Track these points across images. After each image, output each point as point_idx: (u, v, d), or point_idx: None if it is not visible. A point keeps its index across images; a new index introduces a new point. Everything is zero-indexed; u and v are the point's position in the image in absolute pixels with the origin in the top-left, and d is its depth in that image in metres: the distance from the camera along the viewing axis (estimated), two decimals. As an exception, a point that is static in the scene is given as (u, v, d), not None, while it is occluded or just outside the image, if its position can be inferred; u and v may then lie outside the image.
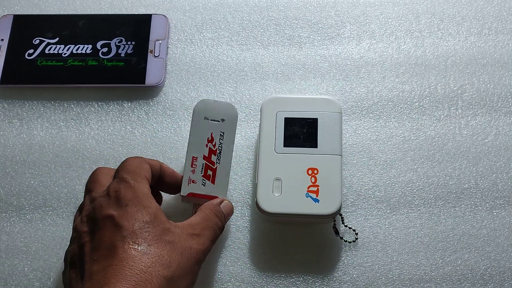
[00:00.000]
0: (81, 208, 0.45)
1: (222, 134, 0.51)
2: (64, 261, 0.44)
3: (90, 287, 0.37)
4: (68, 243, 0.44)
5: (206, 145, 0.50)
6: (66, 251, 0.44)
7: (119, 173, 0.44)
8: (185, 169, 0.50)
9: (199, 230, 0.44)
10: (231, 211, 0.49)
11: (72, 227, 0.47)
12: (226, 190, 0.50)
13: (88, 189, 0.45)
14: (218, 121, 0.51)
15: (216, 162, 0.50)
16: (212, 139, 0.51)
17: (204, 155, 0.50)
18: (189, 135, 0.50)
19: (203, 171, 0.50)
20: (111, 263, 0.38)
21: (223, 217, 0.48)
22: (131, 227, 0.40)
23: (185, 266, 0.41)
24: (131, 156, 0.49)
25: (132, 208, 0.41)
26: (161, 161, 0.49)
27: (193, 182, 0.49)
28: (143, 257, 0.39)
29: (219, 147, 0.51)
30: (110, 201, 0.42)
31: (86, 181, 0.47)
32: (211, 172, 0.50)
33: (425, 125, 0.57)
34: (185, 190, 0.49)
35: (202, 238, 0.44)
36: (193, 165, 0.50)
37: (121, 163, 0.46)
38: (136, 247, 0.39)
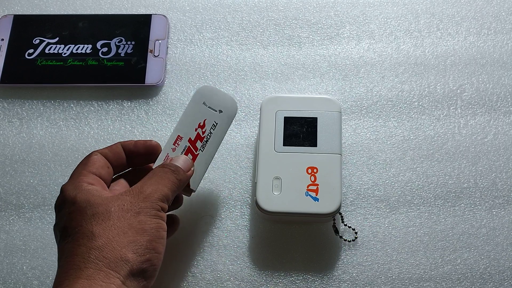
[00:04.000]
0: None
1: (215, 124, 0.49)
2: None
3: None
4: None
5: (195, 129, 0.48)
6: None
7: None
8: (166, 145, 0.48)
9: (144, 184, 0.43)
10: (185, 161, 0.47)
11: None
12: (199, 181, 0.48)
13: None
14: (216, 111, 0.49)
15: (200, 149, 0.48)
16: (204, 125, 0.49)
17: (190, 138, 0.48)
18: (182, 114, 0.49)
19: (183, 153, 0.48)
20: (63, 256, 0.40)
21: (173, 165, 0.45)
22: (62, 225, 0.41)
23: (122, 225, 0.40)
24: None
25: (63, 211, 0.42)
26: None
27: (170, 159, 0.47)
28: (67, 246, 0.39)
29: (208, 136, 0.49)
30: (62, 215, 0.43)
31: None
32: (191, 157, 0.48)
33: (424, 124, 0.57)
34: (159, 162, 0.47)
35: (149, 187, 0.42)
36: (176, 144, 0.48)
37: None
38: (65, 241, 0.40)
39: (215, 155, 0.49)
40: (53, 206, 0.54)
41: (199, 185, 0.48)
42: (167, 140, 0.48)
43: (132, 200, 0.41)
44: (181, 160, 0.46)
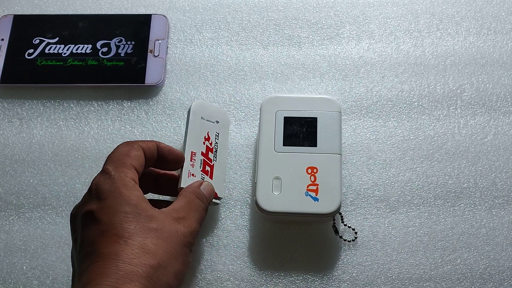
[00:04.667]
0: None
1: (217, 134, 0.53)
2: None
3: None
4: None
5: (203, 143, 0.51)
6: None
7: (104, 164, 0.43)
8: (185, 164, 0.49)
9: (184, 213, 0.43)
10: (212, 192, 0.49)
11: None
12: (224, 187, 0.51)
13: None
14: (213, 122, 0.53)
15: (213, 160, 0.51)
16: (209, 137, 0.52)
17: (202, 152, 0.51)
18: (186, 132, 0.51)
19: (201, 166, 0.50)
20: (93, 261, 0.37)
21: (205, 198, 0.47)
22: (109, 220, 0.39)
23: (173, 251, 0.40)
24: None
25: (111, 200, 0.40)
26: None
27: (193, 176, 0.49)
28: (125, 249, 0.38)
29: (215, 146, 0.52)
30: (91, 195, 0.41)
31: None
32: (209, 168, 0.51)
33: (424, 124, 0.57)
34: (185, 182, 0.49)
35: (188, 220, 0.43)
36: (192, 160, 0.50)
37: (113, 150, 0.45)
38: (118, 240, 0.38)
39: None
40: (53, 206, 0.54)
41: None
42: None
43: (183, 230, 0.42)
44: (209, 189, 0.48)
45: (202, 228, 0.52)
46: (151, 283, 0.37)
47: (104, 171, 0.42)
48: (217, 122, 0.53)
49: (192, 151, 0.50)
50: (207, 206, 0.47)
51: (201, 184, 0.48)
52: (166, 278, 0.39)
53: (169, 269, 0.39)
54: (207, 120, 0.52)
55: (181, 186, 0.49)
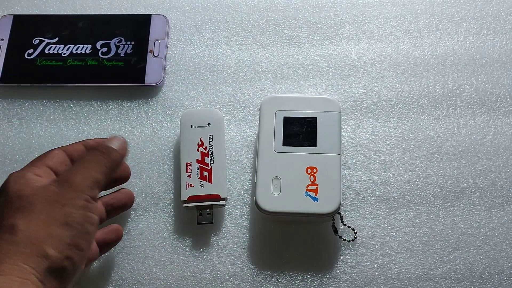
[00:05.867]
0: None
1: (211, 136, 0.53)
2: None
3: None
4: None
5: (198, 150, 0.52)
6: None
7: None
8: (182, 176, 0.51)
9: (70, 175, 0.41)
10: (122, 145, 0.45)
11: None
12: (225, 187, 0.51)
13: None
14: (205, 126, 0.53)
15: (210, 163, 0.52)
16: (202, 143, 0.53)
17: (197, 159, 0.52)
18: (180, 145, 0.53)
19: (198, 173, 0.51)
20: None
21: (106, 147, 0.44)
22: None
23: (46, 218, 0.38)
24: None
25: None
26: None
27: (191, 186, 0.51)
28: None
29: (211, 149, 0.52)
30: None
31: None
32: (207, 173, 0.51)
33: (424, 124, 0.57)
34: (184, 194, 0.51)
35: (77, 177, 0.40)
36: (188, 171, 0.52)
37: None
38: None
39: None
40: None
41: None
42: (180, 173, 0.52)
43: (58, 190, 0.39)
44: (114, 140, 0.44)
45: (202, 228, 0.52)
46: (17, 258, 0.36)
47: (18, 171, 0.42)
48: (209, 124, 0.53)
49: (186, 162, 0.52)
50: (108, 151, 0.43)
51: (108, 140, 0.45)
52: (34, 248, 0.37)
53: (38, 238, 0.37)
54: (198, 127, 0.53)
55: (182, 199, 0.51)
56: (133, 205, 0.52)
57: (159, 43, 0.61)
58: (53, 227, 0.38)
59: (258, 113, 0.54)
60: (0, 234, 0.38)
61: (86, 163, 0.42)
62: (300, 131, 0.52)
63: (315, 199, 0.49)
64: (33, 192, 0.39)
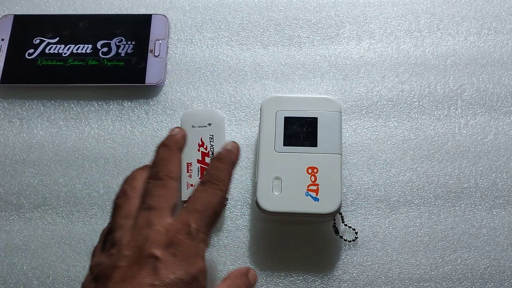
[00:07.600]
0: (110, 231, 0.39)
1: (212, 136, 0.54)
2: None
3: None
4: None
5: (198, 150, 0.53)
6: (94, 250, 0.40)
7: (186, 206, 0.39)
8: (182, 176, 0.51)
9: None
10: (256, 280, 0.45)
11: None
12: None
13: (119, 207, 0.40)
14: (205, 126, 0.54)
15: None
16: (203, 143, 0.53)
17: (198, 159, 0.52)
18: None
19: (199, 173, 0.52)
20: None
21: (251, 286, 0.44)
22: (165, 278, 0.35)
23: None
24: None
25: (179, 257, 0.36)
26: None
27: (192, 186, 0.51)
28: None
29: (211, 149, 0.53)
30: (161, 237, 0.37)
31: (117, 194, 0.41)
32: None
33: (424, 124, 0.57)
34: (185, 194, 0.51)
35: None
36: (189, 171, 0.52)
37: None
38: None
39: None
40: (53, 206, 0.54)
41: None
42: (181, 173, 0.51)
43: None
44: (255, 278, 0.45)
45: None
46: None
47: (185, 224, 0.38)
48: (209, 124, 0.54)
49: (187, 163, 0.52)
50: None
51: (248, 271, 0.44)
52: None
53: None
54: (198, 127, 0.54)
55: (182, 199, 0.51)
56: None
57: (160, 43, 0.61)
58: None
59: (259, 113, 0.54)
60: None
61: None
62: (300, 131, 0.52)
63: (316, 199, 0.49)
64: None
